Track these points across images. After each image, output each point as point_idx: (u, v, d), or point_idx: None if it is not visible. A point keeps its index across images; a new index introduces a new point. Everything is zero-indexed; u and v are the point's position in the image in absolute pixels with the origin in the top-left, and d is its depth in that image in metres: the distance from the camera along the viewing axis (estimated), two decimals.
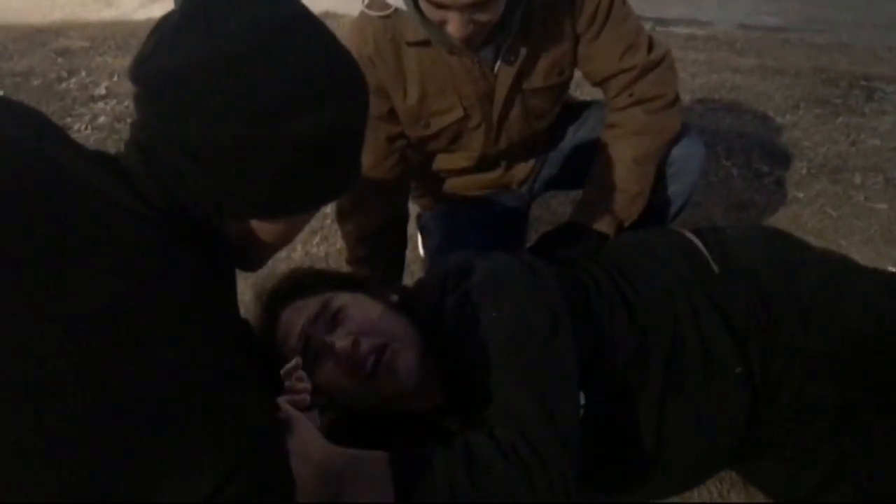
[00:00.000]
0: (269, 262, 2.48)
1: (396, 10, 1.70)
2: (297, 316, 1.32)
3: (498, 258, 1.45)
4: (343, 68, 0.94)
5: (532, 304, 1.33)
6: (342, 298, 1.34)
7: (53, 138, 0.89)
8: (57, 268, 0.74)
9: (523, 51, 1.77)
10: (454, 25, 1.55)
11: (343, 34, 1.67)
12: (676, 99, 1.90)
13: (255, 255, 1.06)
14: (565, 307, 1.35)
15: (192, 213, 0.90)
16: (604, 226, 1.91)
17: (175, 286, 0.80)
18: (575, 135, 2.11)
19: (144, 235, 0.82)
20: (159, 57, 0.87)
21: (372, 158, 1.89)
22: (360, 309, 1.33)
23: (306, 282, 1.41)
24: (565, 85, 1.95)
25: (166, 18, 0.91)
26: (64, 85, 4.09)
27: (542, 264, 1.45)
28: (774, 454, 1.46)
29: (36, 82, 4.15)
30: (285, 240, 1.06)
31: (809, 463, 1.43)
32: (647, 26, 5.08)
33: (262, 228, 0.99)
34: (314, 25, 0.93)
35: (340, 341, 1.27)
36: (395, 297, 1.44)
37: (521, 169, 2.11)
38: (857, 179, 2.92)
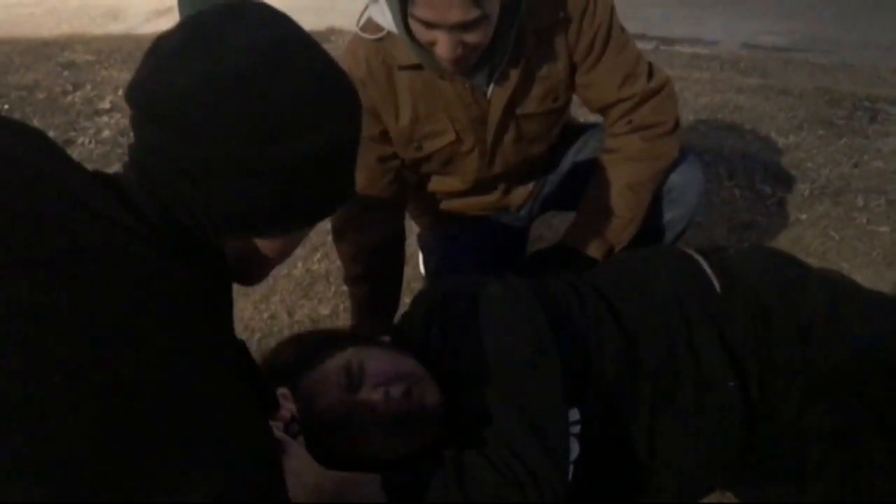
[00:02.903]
0: (271, 280, 2.49)
1: (389, 33, 1.70)
2: (324, 386, 1.31)
3: (479, 283, 1.46)
4: (337, 87, 0.95)
5: (513, 327, 1.34)
6: (355, 355, 1.34)
7: (54, 157, 0.89)
8: (54, 286, 0.74)
9: (516, 76, 1.76)
10: (443, 46, 1.54)
11: (341, 53, 1.68)
12: (675, 127, 1.89)
13: (254, 270, 1.06)
14: (547, 325, 1.36)
15: (191, 232, 0.90)
16: (593, 250, 1.91)
17: (172, 306, 0.80)
18: (575, 157, 2.10)
19: (142, 254, 0.82)
20: (157, 81, 0.87)
21: (365, 178, 1.89)
22: (374, 360, 1.33)
23: (310, 347, 1.40)
24: (561, 111, 1.93)
25: (161, 42, 0.91)
26: (69, 98, 4.11)
27: (523, 285, 1.46)
28: (774, 476, 1.45)
29: (41, 96, 4.17)
30: (284, 254, 1.06)
31: (809, 485, 1.42)
32: (652, 45, 5.12)
33: (262, 244, 0.99)
34: (308, 45, 0.93)
35: (373, 396, 1.27)
36: (386, 339, 1.44)
37: (520, 192, 2.11)
38: (860, 202, 2.92)
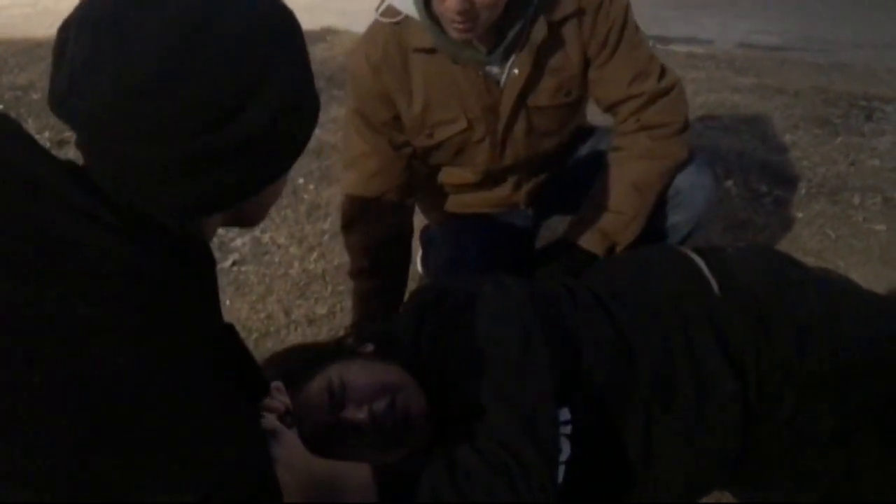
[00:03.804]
0: (267, 280, 2.47)
1: (406, 17, 1.74)
2: (308, 409, 1.29)
3: (469, 281, 1.46)
4: (271, 33, 0.87)
5: (502, 323, 1.34)
6: (336, 372, 1.33)
7: (22, 145, 0.85)
8: (26, 282, 0.71)
9: (529, 66, 1.78)
10: None
11: (347, 48, 1.67)
12: (684, 128, 1.90)
13: (250, 220, 1.03)
14: (537, 322, 1.35)
15: (166, 224, 0.86)
16: (594, 246, 1.91)
17: (150, 299, 0.77)
18: (586, 158, 2.10)
19: (116, 248, 0.78)
20: (79, 94, 0.81)
21: (377, 164, 1.90)
22: (355, 376, 1.32)
23: (291, 367, 1.39)
24: (573, 106, 1.94)
25: (67, 45, 0.83)
26: None
27: (515, 284, 1.45)
28: (771, 476, 1.45)
29: (36, 96, 4.16)
30: (276, 197, 1.03)
31: (806, 486, 1.42)
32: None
33: (246, 205, 0.95)
34: (223, 5, 0.85)
35: (356, 415, 1.27)
36: (370, 347, 1.44)
37: (530, 189, 2.11)
38: (856, 200, 2.92)
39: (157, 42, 0.79)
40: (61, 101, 0.83)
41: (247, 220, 1.03)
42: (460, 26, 1.60)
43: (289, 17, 0.91)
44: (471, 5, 1.55)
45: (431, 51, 1.76)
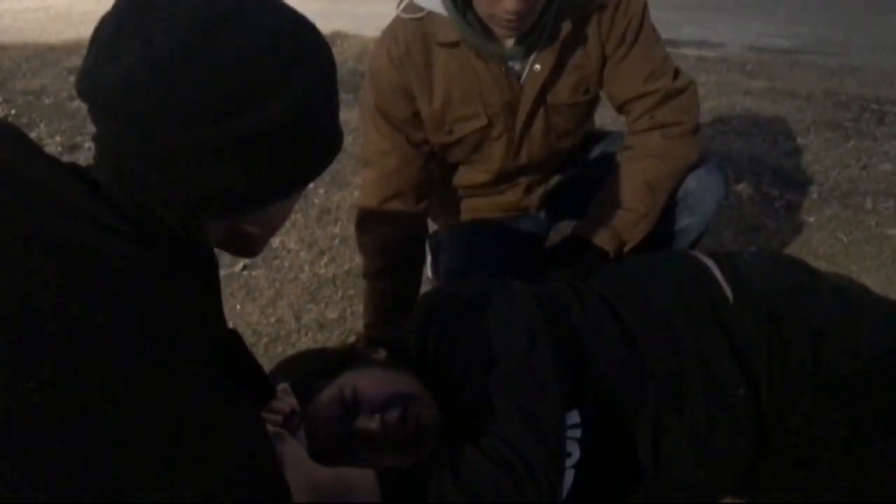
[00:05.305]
0: (278, 284, 2.48)
1: (429, 13, 1.75)
2: (320, 419, 1.29)
3: (477, 284, 1.47)
4: (295, 41, 0.88)
5: (508, 324, 1.35)
6: (348, 381, 1.32)
7: (26, 151, 0.85)
8: (26, 287, 0.71)
9: (550, 62, 1.80)
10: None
11: (357, 52, 1.68)
12: (696, 129, 1.90)
13: (248, 245, 1.02)
14: (543, 324, 1.36)
15: (168, 223, 0.86)
16: (604, 242, 1.90)
17: (152, 303, 0.77)
18: (598, 163, 2.09)
19: (120, 253, 0.78)
20: (102, 70, 0.82)
21: (395, 162, 1.90)
22: (367, 384, 1.32)
23: (303, 375, 1.39)
24: (590, 105, 1.96)
25: (101, 26, 0.85)
26: (75, 103, 4.11)
27: (521, 284, 1.46)
28: (784, 485, 1.44)
29: (47, 101, 4.19)
30: (275, 227, 1.02)
31: (819, 493, 1.41)
32: None
33: (249, 221, 0.95)
34: (256, 3, 0.86)
35: (369, 424, 1.26)
36: (382, 354, 1.44)
37: (540, 192, 2.11)
38: (869, 204, 2.91)
39: (183, 26, 0.80)
40: (85, 76, 0.84)
41: (246, 241, 1.01)
42: (513, 24, 1.62)
43: (318, 36, 0.92)
44: (528, 4, 1.57)
45: (454, 45, 1.77)
